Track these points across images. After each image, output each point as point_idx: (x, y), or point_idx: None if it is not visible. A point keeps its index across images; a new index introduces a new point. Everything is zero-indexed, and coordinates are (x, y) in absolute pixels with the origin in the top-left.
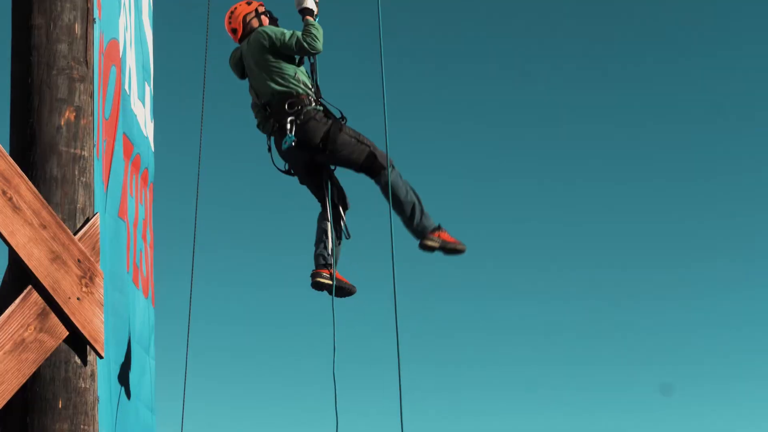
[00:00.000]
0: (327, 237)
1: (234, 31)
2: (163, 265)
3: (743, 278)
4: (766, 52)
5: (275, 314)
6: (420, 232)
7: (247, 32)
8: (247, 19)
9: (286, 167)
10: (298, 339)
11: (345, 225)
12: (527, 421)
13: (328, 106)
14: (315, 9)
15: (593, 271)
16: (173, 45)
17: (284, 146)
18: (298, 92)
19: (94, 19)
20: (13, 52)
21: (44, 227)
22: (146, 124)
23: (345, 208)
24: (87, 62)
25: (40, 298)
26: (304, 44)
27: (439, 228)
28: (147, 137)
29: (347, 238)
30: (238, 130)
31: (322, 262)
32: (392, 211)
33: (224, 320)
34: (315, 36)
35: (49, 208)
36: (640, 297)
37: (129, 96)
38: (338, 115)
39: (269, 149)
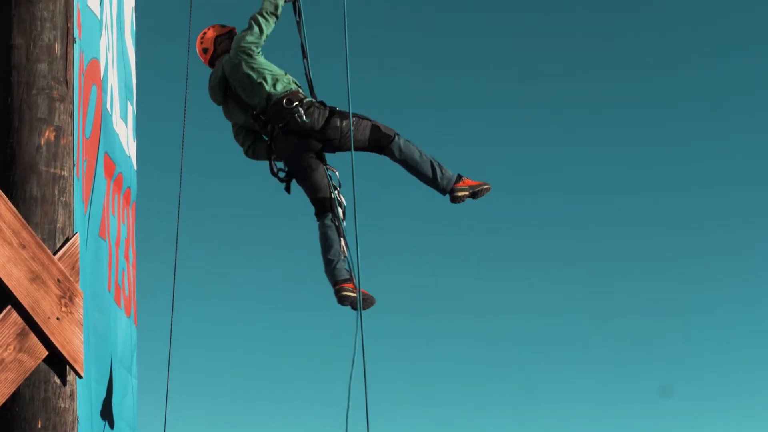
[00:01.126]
0: (338, 244)
1: (205, 51)
2: (147, 283)
3: (744, 278)
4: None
5: (259, 330)
6: (446, 187)
7: (217, 54)
8: (218, 41)
9: (284, 172)
10: (282, 354)
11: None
12: (527, 422)
13: (310, 76)
14: None
15: (593, 270)
16: (156, 64)
17: (302, 118)
18: (291, 89)
19: (74, 39)
20: None
21: (24, 247)
22: (129, 144)
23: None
24: (67, 82)
25: (19, 318)
26: (263, 11)
27: (460, 177)
28: (129, 156)
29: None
30: (221, 148)
31: (345, 276)
32: (414, 175)
33: (207, 336)
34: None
35: (29, 228)
36: (640, 297)
37: (111, 115)
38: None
39: (271, 168)
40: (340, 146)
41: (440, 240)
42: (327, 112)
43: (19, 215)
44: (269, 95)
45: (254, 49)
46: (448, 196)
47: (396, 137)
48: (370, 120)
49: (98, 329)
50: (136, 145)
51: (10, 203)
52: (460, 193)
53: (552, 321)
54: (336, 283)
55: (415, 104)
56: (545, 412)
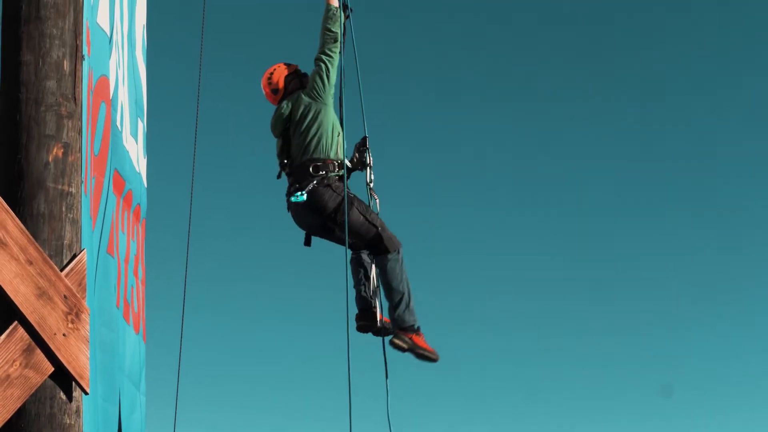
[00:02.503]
0: (368, 279)
1: (275, 92)
2: (156, 299)
3: (744, 278)
4: None
5: (268, 346)
6: (397, 324)
7: (288, 93)
8: (289, 80)
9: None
10: (290, 371)
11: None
12: (526, 423)
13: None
14: None
15: (593, 271)
16: (167, 82)
17: (293, 199)
18: (328, 157)
19: (83, 56)
20: (0, 89)
21: (30, 263)
22: (139, 161)
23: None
24: (75, 99)
25: (25, 333)
26: (325, 51)
27: (416, 330)
28: (139, 173)
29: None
30: (232, 165)
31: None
32: (381, 291)
33: (216, 352)
34: (329, 26)
35: (36, 244)
36: (640, 297)
37: (121, 132)
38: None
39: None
40: (340, 224)
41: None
42: (342, 193)
43: (27, 231)
44: (315, 149)
45: (321, 92)
46: (390, 334)
47: (391, 257)
48: (378, 226)
49: (106, 345)
50: (147, 162)
51: (17, 219)
52: (399, 342)
53: (552, 320)
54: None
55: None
56: (545, 412)
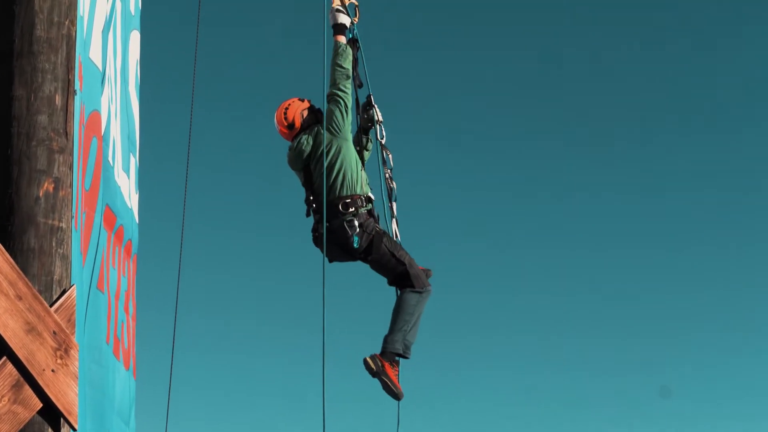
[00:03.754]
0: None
1: (290, 127)
2: (147, 335)
3: (744, 277)
4: None
5: (259, 385)
6: (383, 345)
7: (303, 128)
8: (304, 115)
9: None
10: (282, 406)
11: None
12: (526, 423)
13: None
14: (348, 22)
15: (593, 270)
16: (160, 117)
17: (356, 245)
18: (354, 192)
19: (75, 91)
20: None
21: (20, 298)
22: (130, 196)
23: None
24: (67, 133)
25: (14, 369)
26: (336, 91)
27: (394, 361)
28: (131, 209)
29: None
30: (223, 201)
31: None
32: (392, 313)
33: (206, 389)
34: (340, 67)
35: (26, 279)
36: (640, 298)
37: (113, 167)
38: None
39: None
40: (369, 260)
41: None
42: (373, 230)
43: (16, 266)
44: (338, 186)
45: (339, 131)
46: (379, 351)
47: (412, 290)
48: (405, 263)
49: (95, 381)
50: (138, 197)
51: (7, 254)
52: (371, 363)
53: (552, 320)
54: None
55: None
56: (545, 412)
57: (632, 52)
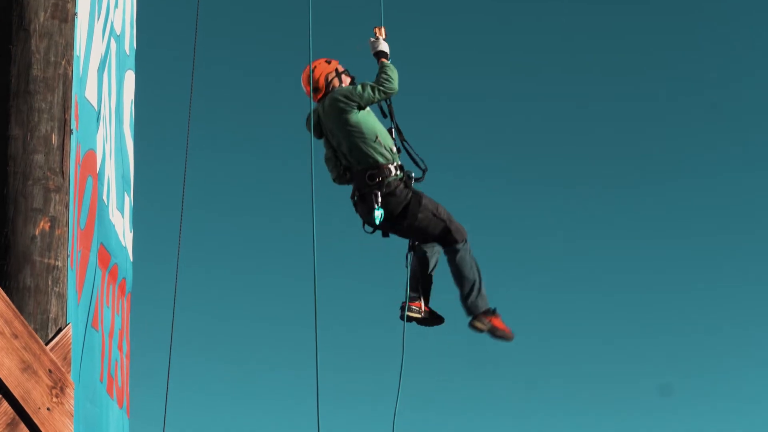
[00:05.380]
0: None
1: (315, 90)
2: (141, 374)
3: (744, 277)
4: None
5: (253, 426)
6: (471, 310)
7: (328, 91)
8: (329, 78)
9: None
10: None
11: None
12: (527, 422)
13: (412, 153)
14: (388, 51)
15: (593, 270)
16: (154, 156)
17: (377, 221)
18: (378, 162)
19: (71, 131)
20: None
21: (16, 337)
22: (125, 235)
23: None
24: (63, 173)
25: (10, 407)
26: (381, 88)
27: (493, 312)
28: (125, 247)
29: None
30: (217, 240)
31: (413, 294)
32: (454, 281)
33: (200, 429)
34: (390, 77)
35: (22, 317)
36: (640, 297)
37: (107, 206)
38: (421, 168)
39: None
40: (407, 227)
41: None
42: (408, 196)
43: (12, 305)
44: (355, 162)
45: (353, 109)
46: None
47: (460, 247)
48: (445, 220)
49: (90, 420)
50: (133, 236)
51: (3, 293)
52: (478, 324)
53: (552, 321)
54: (410, 299)
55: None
56: (545, 412)
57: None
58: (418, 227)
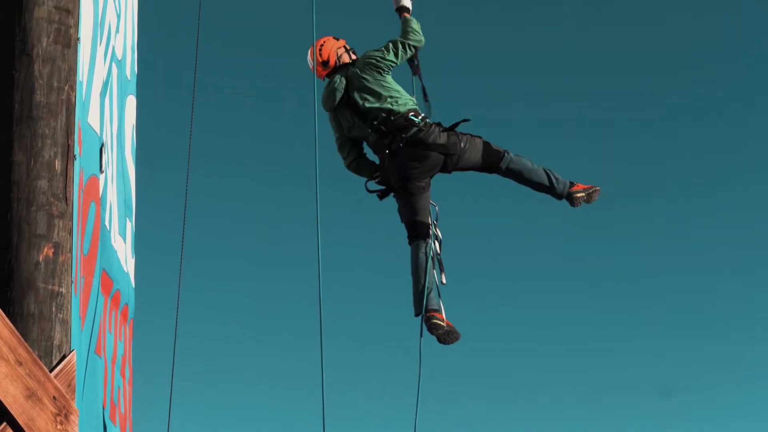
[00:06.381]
0: (431, 274)
1: (325, 64)
2: (143, 400)
3: (744, 276)
4: None
5: None
6: (563, 192)
7: (338, 66)
8: (339, 53)
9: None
10: None
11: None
12: (527, 422)
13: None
14: (411, 7)
15: (593, 270)
16: (156, 181)
17: (425, 132)
18: (415, 108)
19: (74, 156)
20: None
21: (20, 364)
22: (127, 260)
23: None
24: (66, 198)
25: None
26: (409, 42)
27: (572, 183)
28: (127, 273)
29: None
30: (219, 265)
31: (436, 306)
32: (527, 185)
33: None
34: (414, 29)
35: (26, 344)
36: (640, 297)
37: (109, 232)
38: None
39: (366, 187)
40: (456, 163)
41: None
42: (445, 132)
43: (16, 332)
44: (393, 110)
45: (389, 67)
46: (565, 201)
47: (506, 153)
48: (480, 138)
49: None
50: (135, 261)
51: (7, 319)
52: (578, 195)
53: (552, 321)
54: (428, 311)
55: None
56: (545, 412)
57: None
58: (466, 155)
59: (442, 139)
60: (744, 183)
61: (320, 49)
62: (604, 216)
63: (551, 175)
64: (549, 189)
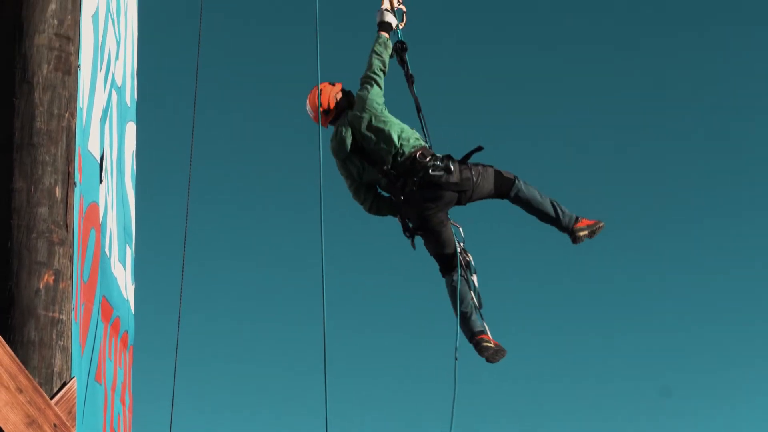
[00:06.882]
0: (469, 297)
1: (326, 112)
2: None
3: (745, 276)
4: None
5: None
6: (568, 226)
7: (339, 112)
8: (338, 98)
9: (411, 228)
10: None
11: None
12: (526, 422)
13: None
14: (394, 23)
15: (594, 270)
16: (155, 208)
17: (438, 173)
18: (421, 144)
19: (75, 183)
20: None
21: (21, 391)
22: (127, 287)
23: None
24: (67, 226)
25: None
26: (373, 72)
27: (578, 218)
28: (127, 300)
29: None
30: (219, 290)
31: (481, 328)
32: (534, 215)
33: None
34: (376, 53)
35: (26, 372)
36: (640, 297)
37: (109, 259)
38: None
39: (404, 225)
40: (471, 197)
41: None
42: (458, 165)
43: (17, 359)
44: (399, 151)
45: (380, 103)
46: (568, 236)
47: (517, 181)
48: (491, 167)
49: None
50: (135, 288)
51: (7, 347)
52: (580, 234)
53: (552, 321)
54: (474, 335)
55: None
56: (545, 412)
57: None
58: (479, 186)
59: (455, 177)
60: (728, 183)
61: (319, 96)
62: (604, 213)
63: (558, 208)
64: (554, 221)
